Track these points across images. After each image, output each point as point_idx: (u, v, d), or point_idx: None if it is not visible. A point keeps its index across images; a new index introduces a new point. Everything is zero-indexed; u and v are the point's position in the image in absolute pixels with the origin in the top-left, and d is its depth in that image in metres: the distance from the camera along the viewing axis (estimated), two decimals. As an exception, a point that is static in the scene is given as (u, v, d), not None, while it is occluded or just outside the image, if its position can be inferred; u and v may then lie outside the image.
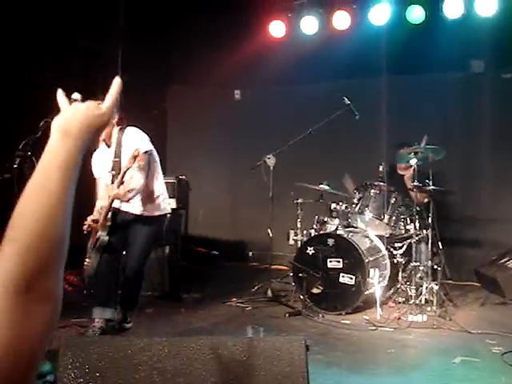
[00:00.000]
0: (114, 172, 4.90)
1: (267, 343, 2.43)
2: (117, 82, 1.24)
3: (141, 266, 5.04)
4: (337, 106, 6.11)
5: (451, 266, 6.63)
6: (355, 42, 7.41)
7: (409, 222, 6.11)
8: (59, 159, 1.03)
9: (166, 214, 5.18)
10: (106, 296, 4.93)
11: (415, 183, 5.87)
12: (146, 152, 4.85)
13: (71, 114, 1.14)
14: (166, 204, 5.20)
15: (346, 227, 6.22)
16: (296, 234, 6.36)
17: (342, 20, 7.69)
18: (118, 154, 4.91)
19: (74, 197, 1.02)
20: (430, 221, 5.94)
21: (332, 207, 6.21)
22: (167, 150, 8.86)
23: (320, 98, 7.59)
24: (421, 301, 5.70)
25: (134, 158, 4.63)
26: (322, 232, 6.13)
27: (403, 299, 5.91)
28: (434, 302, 5.72)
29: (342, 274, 5.76)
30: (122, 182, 4.74)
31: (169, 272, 6.31)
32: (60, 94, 1.23)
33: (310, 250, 5.92)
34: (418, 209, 5.98)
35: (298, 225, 6.33)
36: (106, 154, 4.99)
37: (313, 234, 6.17)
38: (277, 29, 8.04)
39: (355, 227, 6.33)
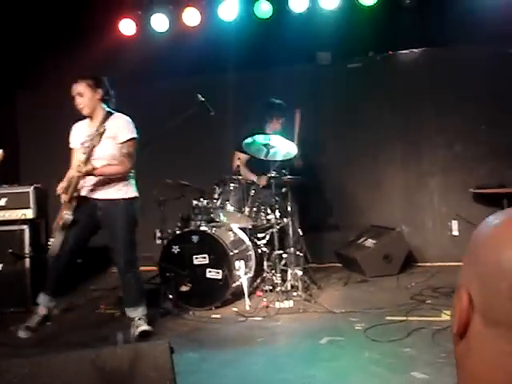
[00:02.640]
0: (88, 149, 4.88)
1: (130, 350, 2.41)
2: None
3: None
4: (191, 103, 6.13)
5: (313, 251, 6.91)
6: (206, 38, 7.48)
7: (269, 212, 6.27)
8: None
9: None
10: (54, 285, 5.10)
11: (272, 174, 6.04)
12: (133, 139, 5.02)
13: None
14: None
15: (209, 222, 6.27)
16: (161, 233, 6.33)
17: (191, 16, 7.72)
18: (96, 134, 4.83)
19: None
20: (289, 209, 6.16)
21: (194, 204, 6.24)
22: (20, 158, 8.47)
23: (174, 96, 7.58)
24: (286, 287, 5.89)
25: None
26: (186, 229, 6.14)
27: (270, 287, 6.06)
28: (300, 286, 5.93)
29: (208, 270, 5.81)
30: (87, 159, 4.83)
31: (31, 285, 6.04)
32: None
33: (176, 249, 5.92)
34: (277, 199, 6.16)
35: (162, 224, 6.30)
36: (86, 127, 5.09)
37: (177, 232, 6.18)
38: (127, 27, 7.93)
39: (218, 222, 6.39)
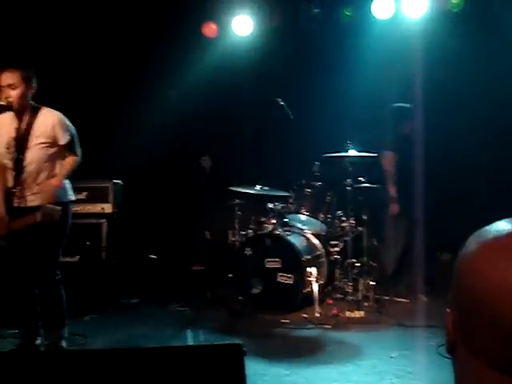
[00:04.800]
0: (13, 150, 4.24)
1: (203, 351, 2.41)
2: None
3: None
4: (271, 107, 6.12)
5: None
6: (288, 42, 7.45)
7: (344, 219, 6.19)
8: None
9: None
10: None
11: (349, 181, 5.96)
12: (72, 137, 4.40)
13: None
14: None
15: (283, 227, 6.25)
16: (234, 235, 6.36)
17: (276, 19, 7.67)
18: (24, 134, 4.24)
19: None
20: (364, 218, 6.05)
21: (268, 207, 6.23)
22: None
23: (253, 100, 7.55)
24: (358, 297, 5.81)
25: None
26: (259, 232, 6.14)
27: (341, 296, 5.97)
28: (371, 297, 5.83)
29: (280, 274, 5.79)
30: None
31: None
32: None
33: (248, 251, 5.92)
34: (352, 207, 6.06)
35: (236, 226, 6.32)
36: (7, 124, 4.31)
37: (250, 235, 6.19)
38: (210, 30, 7.95)
39: (292, 226, 6.36)
